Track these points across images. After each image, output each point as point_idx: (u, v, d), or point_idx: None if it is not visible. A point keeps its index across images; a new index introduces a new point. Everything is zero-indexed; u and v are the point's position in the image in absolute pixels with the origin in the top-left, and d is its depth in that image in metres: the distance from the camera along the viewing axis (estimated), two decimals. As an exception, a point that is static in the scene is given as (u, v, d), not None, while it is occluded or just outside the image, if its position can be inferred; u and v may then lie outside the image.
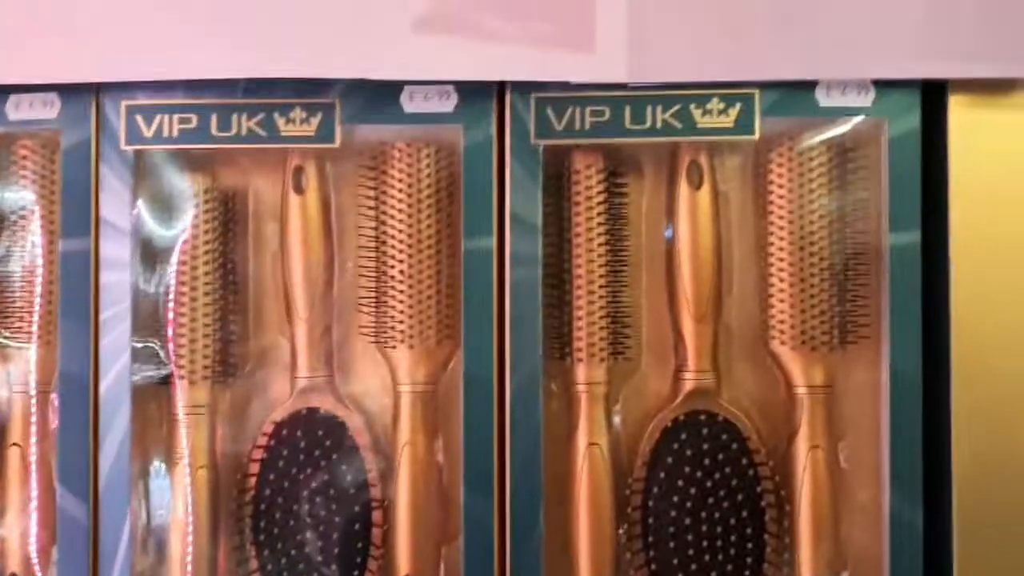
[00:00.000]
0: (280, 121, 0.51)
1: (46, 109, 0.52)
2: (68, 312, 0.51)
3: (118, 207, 0.51)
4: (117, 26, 0.50)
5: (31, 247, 0.53)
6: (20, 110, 0.52)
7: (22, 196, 0.54)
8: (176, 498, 0.52)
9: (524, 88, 0.50)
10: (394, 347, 0.52)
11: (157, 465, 0.53)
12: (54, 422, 0.53)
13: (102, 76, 0.51)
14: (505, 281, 0.50)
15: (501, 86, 0.50)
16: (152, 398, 0.53)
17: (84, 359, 0.51)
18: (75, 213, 0.52)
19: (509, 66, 0.49)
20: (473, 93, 0.50)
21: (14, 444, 0.53)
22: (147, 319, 0.52)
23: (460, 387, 0.50)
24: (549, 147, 0.50)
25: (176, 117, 0.51)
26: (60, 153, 0.52)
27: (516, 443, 0.49)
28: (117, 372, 0.51)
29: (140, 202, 0.52)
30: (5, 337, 0.53)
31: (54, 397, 0.53)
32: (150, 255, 0.53)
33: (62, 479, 0.51)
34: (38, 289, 0.53)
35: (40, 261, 0.53)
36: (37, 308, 0.53)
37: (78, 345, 0.51)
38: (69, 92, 0.51)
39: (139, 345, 0.52)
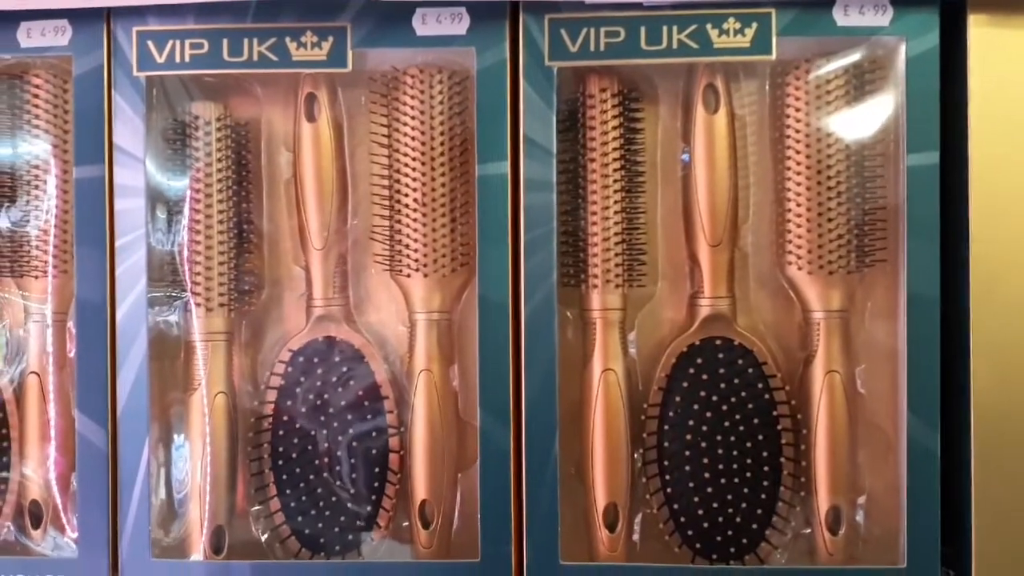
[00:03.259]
0: (291, 45, 0.51)
1: (57, 36, 0.52)
2: (84, 239, 0.51)
3: (131, 134, 0.51)
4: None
5: (46, 177, 0.54)
6: (32, 37, 0.52)
7: (36, 125, 0.54)
8: (194, 424, 0.52)
9: (537, 8, 0.49)
10: (409, 275, 0.52)
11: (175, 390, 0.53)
12: (71, 350, 0.53)
13: (112, 0, 0.50)
14: (520, 206, 0.50)
15: (514, 7, 0.50)
16: (169, 324, 0.53)
17: (101, 286, 0.51)
18: (88, 140, 0.52)
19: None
20: (485, 14, 0.50)
21: (32, 373, 0.54)
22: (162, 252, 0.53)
23: (475, 315, 0.50)
24: (563, 70, 0.50)
25: (188, 42, 0.51)
26: (72, 80, 0.52)
27: (531, 369, 0.49)
28: (134, 298, 0.51)
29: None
30: (24, 269, 0.54)
31: (71, 325, 0.53)
32: (164, 181, 0.53)
33: (81, 406, 0.51)
34: (53, 218, 0.53)
35: (55, 190, 0.53)
36: (52, 236, 0.53)
37: (94, 272, 0.51)
38: (80, 18, 0.51)
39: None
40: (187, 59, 0.51)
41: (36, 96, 0.53)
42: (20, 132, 0.54)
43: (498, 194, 0.50)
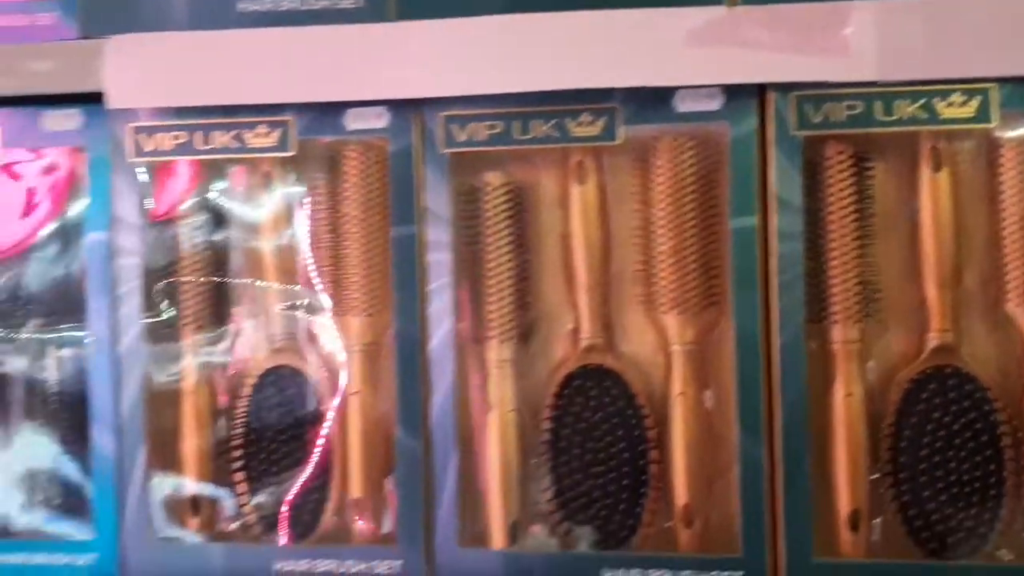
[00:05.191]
0: (570, 124, 0.61)
1: (377, 120, 0.63)
2: (401, 284, 0.63)
3: (437, 199, 0.62)
4: (438, 50, 0.60)
5: (357, 233, 0.65)
6: (356, 122, 0.64)
7: (348, 191, 0.66)
8: (491, 436, 0.63)
9: (784, 88, 0.58)
10: (665, 312, 0.61)
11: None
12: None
13: (425, 92, 0.61)
14: (769, 254, 0.58)
15: (762, 85, 0.59)
16: (470, 355, 0.64)
17: (414, 323, 0.62)
18: (401, 205, 0.63)
19: (772, 70, 0.57)
20: (738, 93, 0.59)
21: (355, 392, 0.65)
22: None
23: (725, 346, 0.60)
24: (804, 136, 0.58)
25: (485, 124, 0.62)
26: (387, 156, 0.63)
27: (785, 394, 0.58)
28: (442, 333, 0.62)
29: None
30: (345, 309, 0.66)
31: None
32: (465, 240, 0.64)
33: (400, 420, 0.63)
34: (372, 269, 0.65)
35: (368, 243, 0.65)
36: (369, 281, 0.65)
37: (409, 311, 0.63)
38: (396, 106, 0.63)
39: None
40: (485, 138, 0.62)
41: (351, 168, 0.66)
42: (346, 199, 0.66)
43: (748, 244, 0.59)
